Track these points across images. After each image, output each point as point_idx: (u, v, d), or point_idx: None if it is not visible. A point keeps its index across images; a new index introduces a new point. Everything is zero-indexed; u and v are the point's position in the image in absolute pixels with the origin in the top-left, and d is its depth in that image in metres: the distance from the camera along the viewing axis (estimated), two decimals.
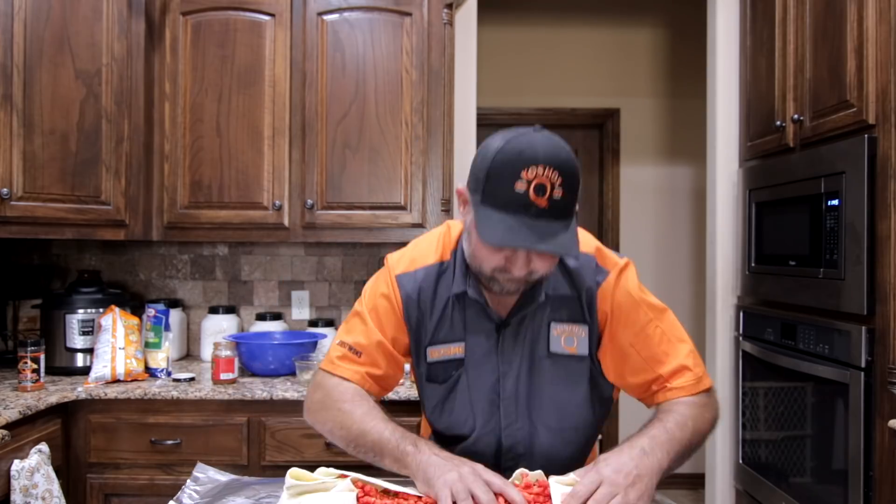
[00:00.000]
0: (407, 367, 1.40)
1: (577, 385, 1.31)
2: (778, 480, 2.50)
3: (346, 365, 1.31)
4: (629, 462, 1.09)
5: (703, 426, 1.23)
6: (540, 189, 1.05)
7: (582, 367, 1.30)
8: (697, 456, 4.50)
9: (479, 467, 1.11)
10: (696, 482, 3.85)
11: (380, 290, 1.34)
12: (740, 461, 2.82)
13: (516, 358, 1.29)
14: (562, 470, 1.18)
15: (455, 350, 1.30)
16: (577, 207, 1.13)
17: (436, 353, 1.32)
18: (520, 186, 1.06)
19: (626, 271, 1.30)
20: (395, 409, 1.94)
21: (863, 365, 2.02)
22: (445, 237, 1.35)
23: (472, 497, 1.05)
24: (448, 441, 1.34)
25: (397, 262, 1.35)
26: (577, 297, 1.28)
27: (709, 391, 1.28)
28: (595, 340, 1.30)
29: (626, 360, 1.28)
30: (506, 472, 1.20)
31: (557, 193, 1.06)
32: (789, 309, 2.45)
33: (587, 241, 1.30)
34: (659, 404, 1.27)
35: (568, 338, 1.30)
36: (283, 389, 2.25)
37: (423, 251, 1.35)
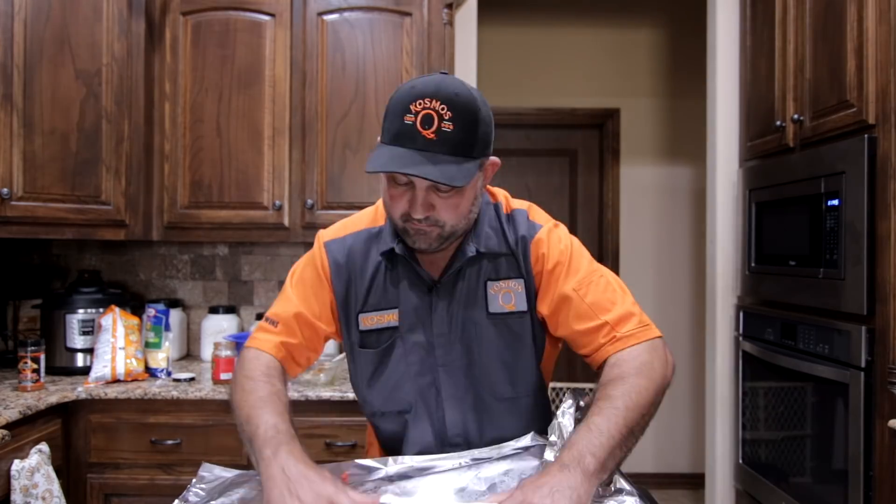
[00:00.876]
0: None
1: (523, 345, 1.27)
2: (778, 480, 2.50)
3: (262, 335, 1.29)
4: (549, 479, 0.97)
5: (652, 386, 1.11)
6: (427, 120, 1.06)
7: (524, 324, 1.26)
8: (697, 456, 4.47)
9: (336, 493, 0.98)
10: (696, 482, 3.85)
11: (306, 261, 1.32)
12: (740, 461, 2.82)
13: (452, 322, 1.25)
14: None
15: (388, 318, 1.26)
16: (485, 152, 1.13)
17: (368, 320, 1.28)
18: (408, 119, 1.07)
19: (559, 227, 1.29)
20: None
21: (863, 365, 2.02)
22: (380, 205, 1.32)
23: None
24: (387, 421, 1.29)
25: (327, 231, 1.34)
26: (511, 252, 1.26)
27: (659, 339, 1.21)
28: (532, 295, 1.26)
29: (569, 306, 1.21)
30: (451, 448, 1.21)
31: (447, 126, 1.06)
32: (789, 309, 2.45)
33: (522, 203, 1.31)
34: (606, 360, 1.18)
35: (506, 294, 1.26)
36: None
37: (355, 219, 1.34)
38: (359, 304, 1.28)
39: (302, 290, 1.30)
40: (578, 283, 1.22)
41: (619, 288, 1.24)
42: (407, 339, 1.26)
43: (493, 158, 1.19)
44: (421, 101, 1.07)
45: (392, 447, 1.33)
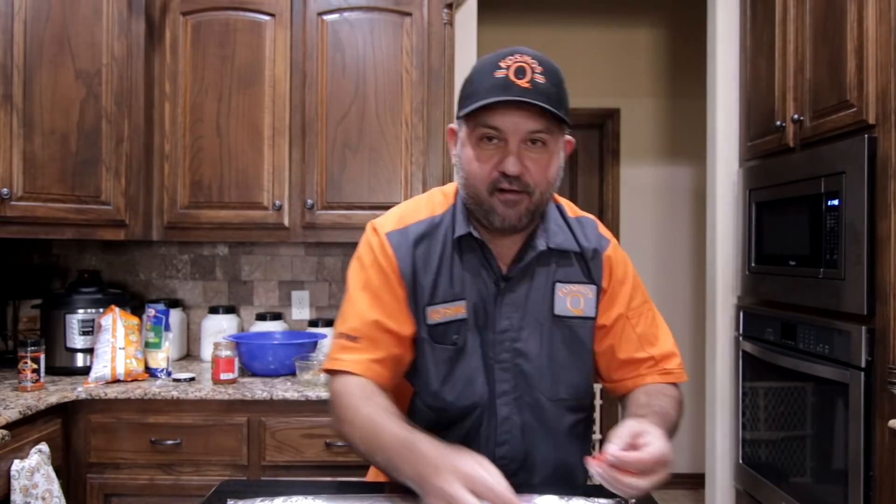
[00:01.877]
0: None
1: (583, 350, 1.25)
2: (778, 480, 2.50)
3: (345, 356, 1.17)
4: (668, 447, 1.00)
5: (677, 422, 1.20)
6: (520, 71, 1.06)
7: (587, 331, 1.24)
8: (697, 456, 4.47)
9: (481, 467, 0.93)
10: (696, 482, 3.85)
11: (368, 260, 1.21)
12: (740, 461, 2.82)
13: (517, 319, 1.21)
14: (554, 454, 1.20)
15: (456, 310, 1.19)
16: (568, 119, 1.11)
17: (436, 314, 1.20)
18: (499, 73, 1.07)
19: (619, 246, 1.31)
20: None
21: (863, 365, 2.02)
22: (434, 196, 1.28)
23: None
24: (450, 419, 1.21)
25: (383, 223, 1.24)
26: (581, 254, 1.24)
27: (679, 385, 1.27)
28: (598, 304, 1.26)
29: (621, 332, 1.24)
30: (497, 447, 1.19)
31: (539, 78, 1.06)
32: (789, 309, 2.45)
33: (587, 213, 1.31)
34: (644, 385, 1.23)
35: (574, 298, 1.23)
36: (283, 389, 2.25)
37: (410, 210, 1.26)
38: (426, 297, 1.20)
39: (371, 295, 1.19)
40: (632, 311, 1.25)
41: (663, 325, 1.29)
42: (475, 332, 1.21)
43: (569, 137, 1.18)
44: (511, 57, 1.08)
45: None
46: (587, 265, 1.24)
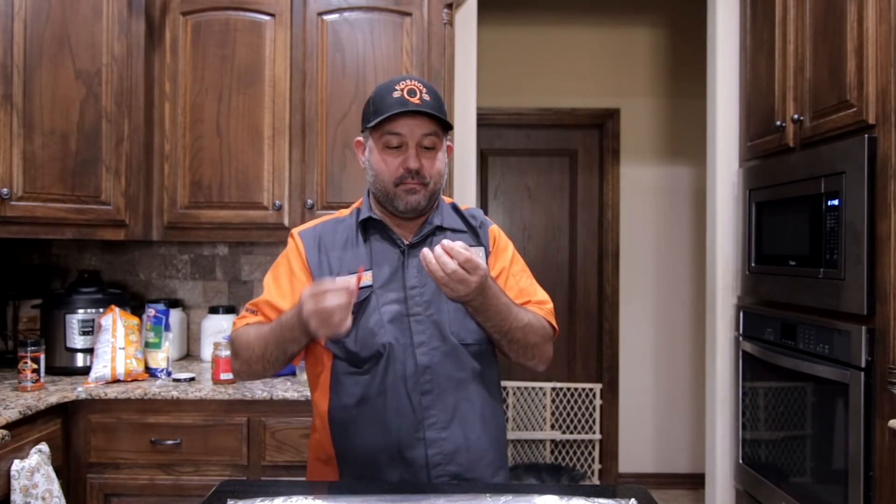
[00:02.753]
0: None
1: None
2: (778, 480, 2.50)
3: (244, 321, 1.49)
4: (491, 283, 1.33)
5: (536, 334, 1.43)
6: (411, 92, 1.39)
7: None
8: (697, 456, 4.48)
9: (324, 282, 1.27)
10: (696, 482, 3.85)
11: (280, 258, 1.54)
12: (740, 461, 2.82)
13: (421, 279, 1.44)
14: (475, 397, 1.43)
15: (364, 278, 1.42)
16: (449, 128, 1.46)
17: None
18: (395, 94, 1.39)
19: (503, 232, 1.61)
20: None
21: (863, 365, 2.02)
22: (342, 211, 1.58)
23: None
24: (363, 362, 1.42)
25: (299, 228, 1.56)
26: (472, 230, 1.53)
27: (553, 332, 1.49)
28: (486, 261, 1.51)
29: (505, 282, 1.49)
30: (423, 396, 1.38)
31: (427, 97, 1.40)
32: (789, 309, 2.45)
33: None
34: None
35: None
36: (283, 389, 2.25)
37: (322, 219, 1.58)
38: (335, 270, 1.46)
39: (276, 285, 1.49)
40: (514, 272, 1.53)
41: (543, 290, 1.56)
42: (381, 294, 1.44)
43: (449, 143, 1.51)
44: (402, 82, 1.41)
45: (356, 417, 1.43)
46: (476, 234, 1.54)
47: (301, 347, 1.40)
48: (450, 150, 1.52)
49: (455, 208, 1.57)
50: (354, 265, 1.42)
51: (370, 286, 1.44)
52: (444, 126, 1.43)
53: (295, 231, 1.56)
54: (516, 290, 1.50)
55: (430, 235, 1.49)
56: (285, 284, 1.48)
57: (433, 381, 1.40)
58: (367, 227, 1.50)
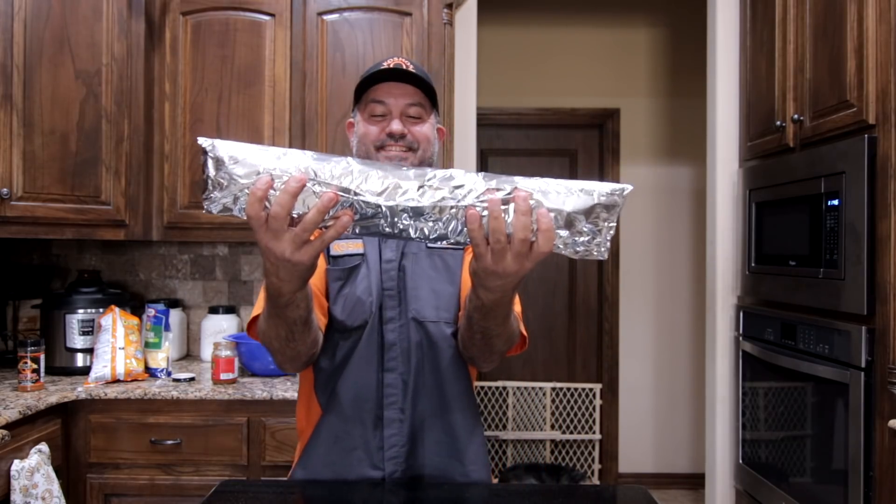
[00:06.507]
0: None
1: (452, 276, 1.44)
2: (778, 480, 2.50)
3: (251, 316, 1.40)
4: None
5: (508, 342, 1.30)
6: (398, 66, 1.36)
7: (457, 259, 1.44)
8: (697, 456, 4.47)
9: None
10: (696, 482, 3.85)
11: None
12: (740, 461, 2.82)
13: (397, 250, 1.43)
14: (434, 377, 1.38)
15: (355, 245, 1.44)
16: (437, 107, 1.43)
17: (338, 247, 1.44)
18: (381, 68, 1.36)
19: None
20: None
21: (863, 365, 2.02)
22: None
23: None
24: (346, 333, 1.39)
25: None
26: None
27: (522, 343, 1.37)
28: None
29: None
30: (386, 374, 1.37)
31: (412, 69, 1.36)
32: (789, 309, 2.45)
33: None
34: None
35: None
36: (283, 389, 2.25)
37: None
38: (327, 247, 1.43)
39: None
40: None
41: None
42: (370, 264, 1.43)
43: (440, 126, 1.47)
44: (390, 59, 1.39)
45: (336, 383, 1.40)
46: None
47: (300, 309, 1.17)
48: (441, 132, 1.49)
49: None
50: (345, 237, 1.40)
51: (362, 254, 1.43)
52: (431, 99, 1.40)
53: None
54: None
55: None
56: None
57: (397, 360, 1.39)
58: None
